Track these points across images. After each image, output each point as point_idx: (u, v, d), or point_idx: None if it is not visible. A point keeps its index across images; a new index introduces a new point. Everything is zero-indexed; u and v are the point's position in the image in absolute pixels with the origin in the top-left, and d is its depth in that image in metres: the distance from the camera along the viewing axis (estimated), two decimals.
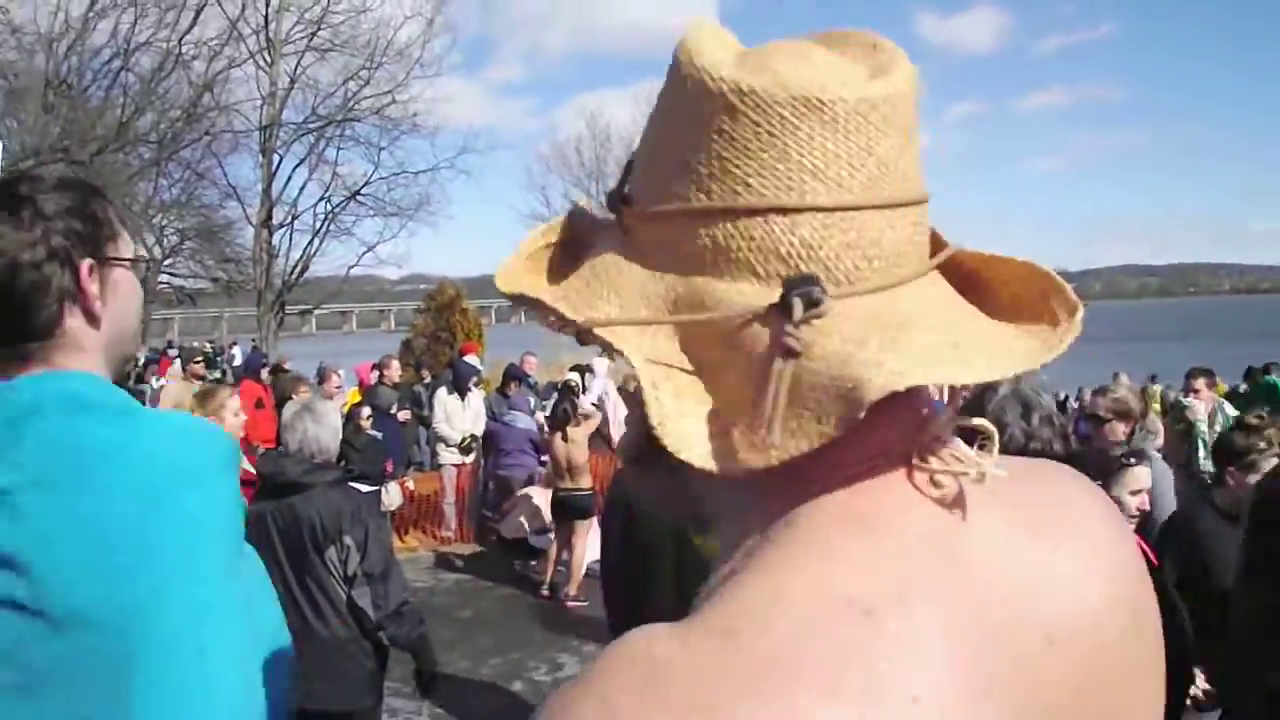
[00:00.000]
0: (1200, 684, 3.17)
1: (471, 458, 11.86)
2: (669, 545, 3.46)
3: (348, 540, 3.76)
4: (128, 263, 1.51)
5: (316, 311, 42.50)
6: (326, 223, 24.88)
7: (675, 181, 0.72)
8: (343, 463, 5.79)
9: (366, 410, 10.33)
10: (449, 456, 11.77)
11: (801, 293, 0.66)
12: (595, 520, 8.57)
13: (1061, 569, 0.71)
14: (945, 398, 0.76)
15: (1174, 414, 9.42)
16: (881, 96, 0.69)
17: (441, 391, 12.01)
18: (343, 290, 28.11)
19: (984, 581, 0.68)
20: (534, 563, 10.21)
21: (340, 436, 4.40)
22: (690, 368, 0.71)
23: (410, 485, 11.43)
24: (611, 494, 4.28)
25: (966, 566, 0.67)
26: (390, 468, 10.48)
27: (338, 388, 11.37)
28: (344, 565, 3.77)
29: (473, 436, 11.75)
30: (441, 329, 22.70)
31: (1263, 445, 3.75)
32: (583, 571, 9.06)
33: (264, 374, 14.86)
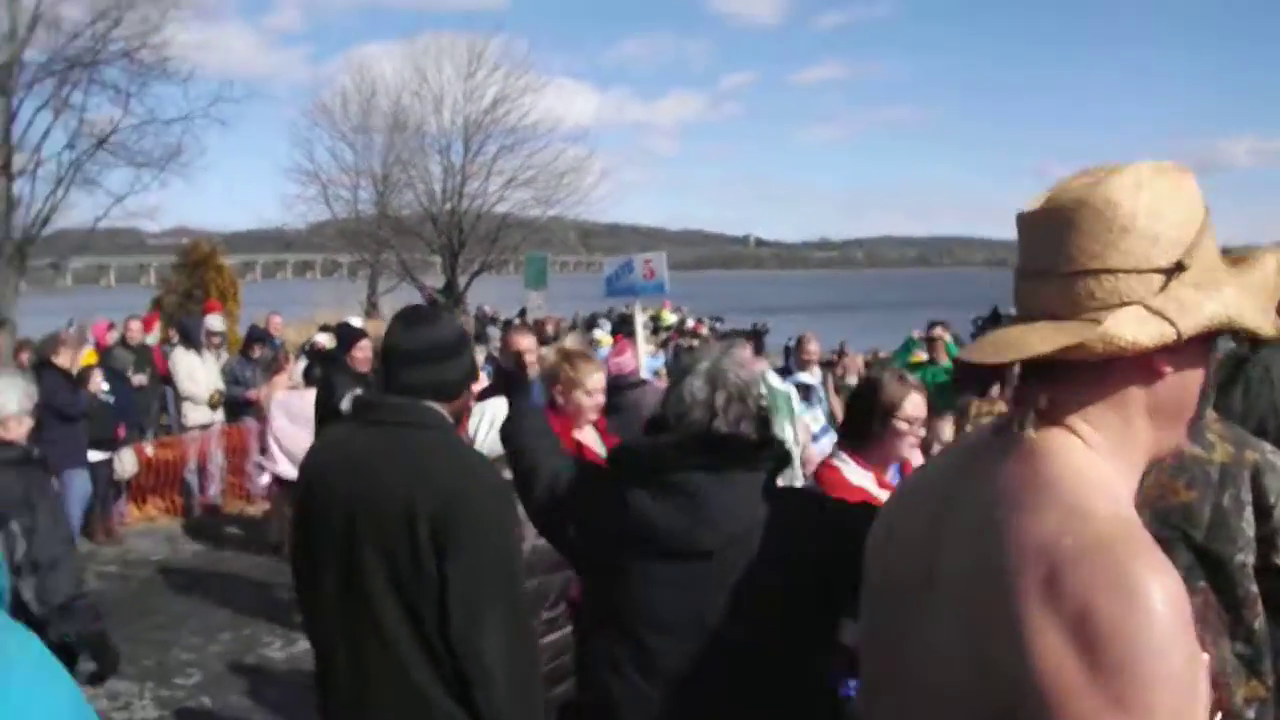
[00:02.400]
0: None
1: (219, 415, 11.44)
2: None
3: (13, 526, 3.50)
4: None
5: (72, 265, 39.78)
6: (71, 171, 23.24)
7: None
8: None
9: (98, 374, 9.80)
10: (197, 416, 11.33)
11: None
12: None
13: None
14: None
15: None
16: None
17: (178, 350, 11.56)
18: (91, 243, 26.37)
19: None
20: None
21: (30, 405, 4.11)
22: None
23: (149, 451, 10.94)
24: None
25: None
26: (123, 433, 9.99)
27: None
28: (10, 554, 3.47)
29: (220, 392, 11.34)
30: (195, 286, 21.83)
31: None
32: None
33: None
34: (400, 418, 2.61)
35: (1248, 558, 1.86)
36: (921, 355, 9.28)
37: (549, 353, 5.09)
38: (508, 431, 2.83)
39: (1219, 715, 1.82)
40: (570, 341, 5.25)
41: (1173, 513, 1.90)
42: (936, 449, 8.54)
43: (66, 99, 23.05)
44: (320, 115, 32.63)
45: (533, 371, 5.24)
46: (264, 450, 9.32)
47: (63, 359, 9.25)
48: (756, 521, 2.30)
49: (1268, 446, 1.98)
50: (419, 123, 31.89)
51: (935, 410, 8.75)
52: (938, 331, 9.14)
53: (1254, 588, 1.86)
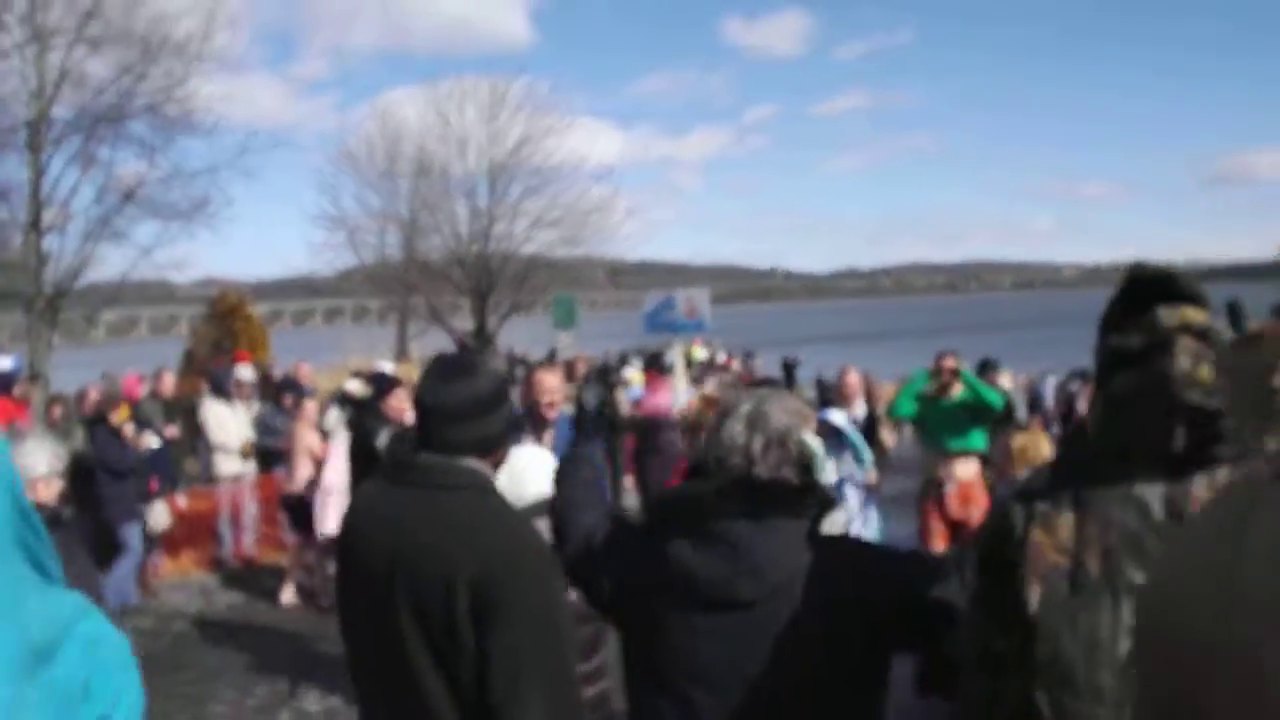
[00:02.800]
0: None
1: (252, 465, 11.38)
2: None
3: None
4: None
5: (104, 318, 40.11)
6: (100, 226, 23.47)
7: None
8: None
9: (146, 429, 9.80)
10: (229, 467, 11.24)
11: None
12: None
13: None
14: None
15: None
16: None
17: (208, 400, 11.52)
18: (122, 295, 26.59)
19: None
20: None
21: (60, 466, 4.06)
22: None
23: (181, 503, 10.92)
24: None
25: None
26: (155, 486, 9.96)
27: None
28: None
29: (251, 442, 11.29)
30: (224, 336, 21.97)
31: None
32: None
33: (17, 390, 13.88)
34: (440, 480, 2.46)
35: None
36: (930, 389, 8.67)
37: (694, 399, 5.63)
38: (561, 474, 2.79)
39: None
40: (710, 388, 5.69)
41: None
42: (950, 489, 8.10)
43: (94, 155, 23.28)
44: (346, 162, 32.88)
45: (554, 412, 5.42)
46: (301, 504, 9.27)
47: (115, 416, 9.22)
48: (799, 570, 2.26)
49: None
50: (443, 166, 32.13)
51: (946, 448, 8.31)
52: (948, 362, 8.51)
53: None
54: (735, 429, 2.35)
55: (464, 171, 32.11)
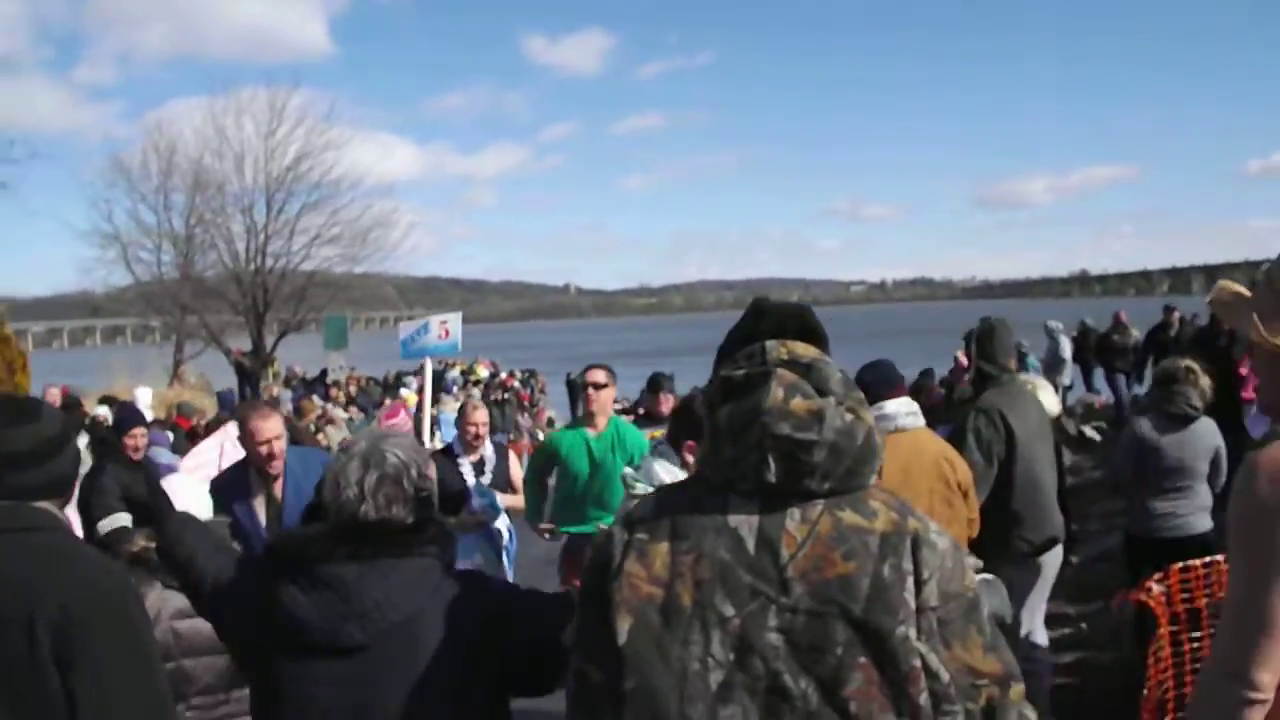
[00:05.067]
0: None
1: None
2: None
3: None
4: None
5: None
6: None
7: None
8: None
9: None
10: None
11: None
12: None
13: None
14: None
15: None
16: None
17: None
18: None
19: None
20: None
21: None
22: None
23: None
24: None
25: None
26: None
27: None
28: None
29: None
30: None
31: None
32: None
33: None
34: (11, 523, 2.32)
35: (909, 630, 1.74)
36: None
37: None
38: (165, 543, 2.65)
39: None
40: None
41: (829, 585, 1.76)
42: None
43: None
44: (118, 174, 31.27)
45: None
46: None
47: None
48: (417, 611, 2.25)
49: (931, 523, 1.89)
50: (220, 182, 30.97)
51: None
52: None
53: (917, 662, 1.74)
54: (350, 467, 2.33)
55: (241, 187, 31.00)
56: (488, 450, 6.92)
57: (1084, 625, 7.23)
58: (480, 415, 7.03)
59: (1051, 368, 16.86)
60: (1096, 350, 17.95)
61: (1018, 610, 5.07)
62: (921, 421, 4.48)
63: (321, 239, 30.57)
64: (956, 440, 5.17)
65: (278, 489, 5.00)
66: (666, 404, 7.01)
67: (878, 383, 4.46)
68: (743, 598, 1.78)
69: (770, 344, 1.94)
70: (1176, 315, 15.82)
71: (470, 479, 6.53)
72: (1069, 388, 17.91)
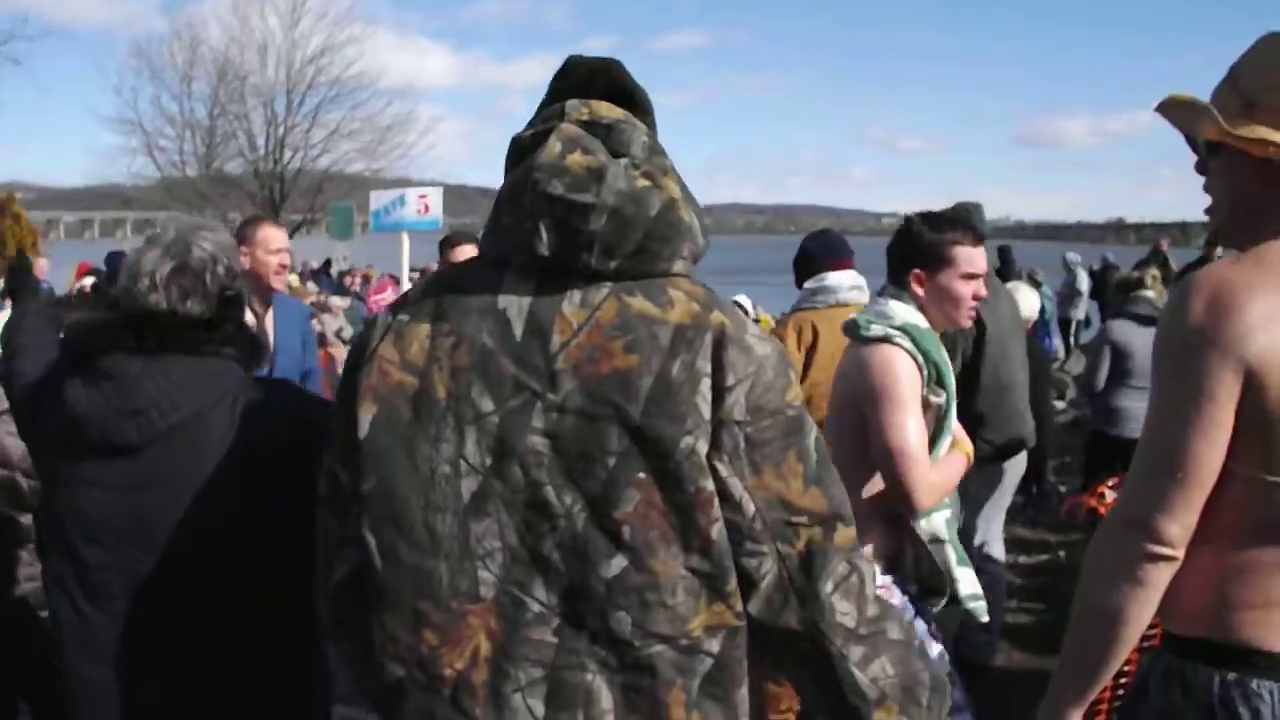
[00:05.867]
0: None
1: None
2: None
3: None
4: None
5: None
6: None
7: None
8: None
9: None
10: None
11: None
12: None
13: None
14: None
15: None
16: None
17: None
18: None
19: None
20: None
21: None
22: None
23: None
24: None
25: None
26: None
27: None
28: None
29: None
30: None
31: None
32: None
33: None
34: None
35: (699, 444, 1.45)
36: None
37: None
38: (8, 332, 2.49)
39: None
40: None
41: (605, 382, 1.46)
42: None
43: None
44: (141, 63, 31.15)
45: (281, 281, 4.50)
46: None
47: None
48: (202, 414, 2.03)
49: (752, 325, 1.56)
50: (241, 73, 30.81)
51: None
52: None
53: (709, 484, 1.45)
54: (148, 256, 2.10)
55: (263, 79, 30.97)
56: None
57: (1062, 554, 6.88)
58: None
59: (1066, 300, 16.29)
60: (1119, 289, 17.22)
61: (973, 518, 4.68)
62: (867, 297, 4.03)
63: (340, 133, 30.53)
64: None
65: (269, 325, 4.37)
66: None
67: (820, 251, 4.03)
68: (504, 391, 1.50)
69: (572, 103, 1.61)
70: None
71: None
72: (1085, 323, 17.32)
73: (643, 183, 1.51)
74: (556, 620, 1.48)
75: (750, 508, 1.48)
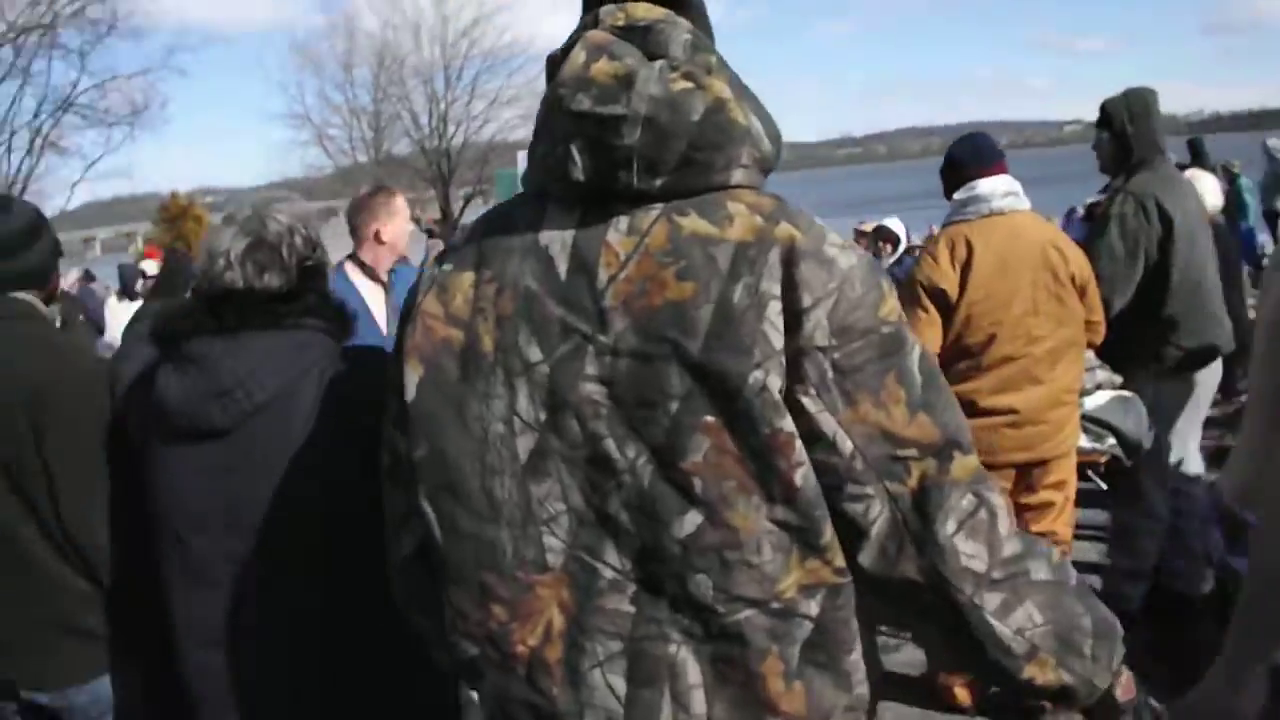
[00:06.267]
0: None
1: None
2: None
3: None
4: None
5: (100, 236, 40.14)
6: (40, 139, 23.13)
7: None
8: None
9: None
10: None
11: None
12: None
13: None
14: None
15: None
16: None
17: (111, 299, 11.27)
18: (67, 214, 26.47)
19: None
20: None
21: None
22: None
23: None
24: None
25: None
26: None
27: None
28: None
29: None
30: (176, 238, 21.91)
31: None
32: None
33: None
34: None
35: (770, 379, 1.25)
36: None
37: None
38: (124, 333, 2.55)
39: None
40: None
41: (658, 316, 1.27)
42: None
43: (27, 68, 22.89)
44: (303, 59, 32.60)
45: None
46: None
47: None
48: (290, 389, 1.96)
49: (831, 235, 1.34)
50: (399, 54, 31.68)
51: None
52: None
53: (786, 423, 1.26)
54: (224, 234, 2.06)
55: (419, 59, 31.74)
56: None
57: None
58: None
59: (1270, 191, 14.95)
60: None
61: (1165, 432, 4.25)
62: (1025, 204, 3.64)
63: (499, 101, 31.05)
64: (1097, 230, 4.30)
65: (389, 304, 4.25)
66: None
67: (968, 157, 3.66)
68: (552, 337, 1.34)
69: (606, 8, 1.41)
70: None
71: None
72: None
73: (682, 84, 1.31)
74: (633, 587, 1.32)
75: (847, 445, 1.28)
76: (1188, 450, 4.38)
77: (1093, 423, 4.03)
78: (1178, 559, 4.36)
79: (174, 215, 22.72)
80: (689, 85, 1.31)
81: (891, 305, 1.32)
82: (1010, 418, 3.51)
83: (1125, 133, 4.32)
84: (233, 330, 1.98)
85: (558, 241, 1.36)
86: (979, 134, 3.83)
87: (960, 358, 3.54)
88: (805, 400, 1.27)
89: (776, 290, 1.27)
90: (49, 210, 25.27)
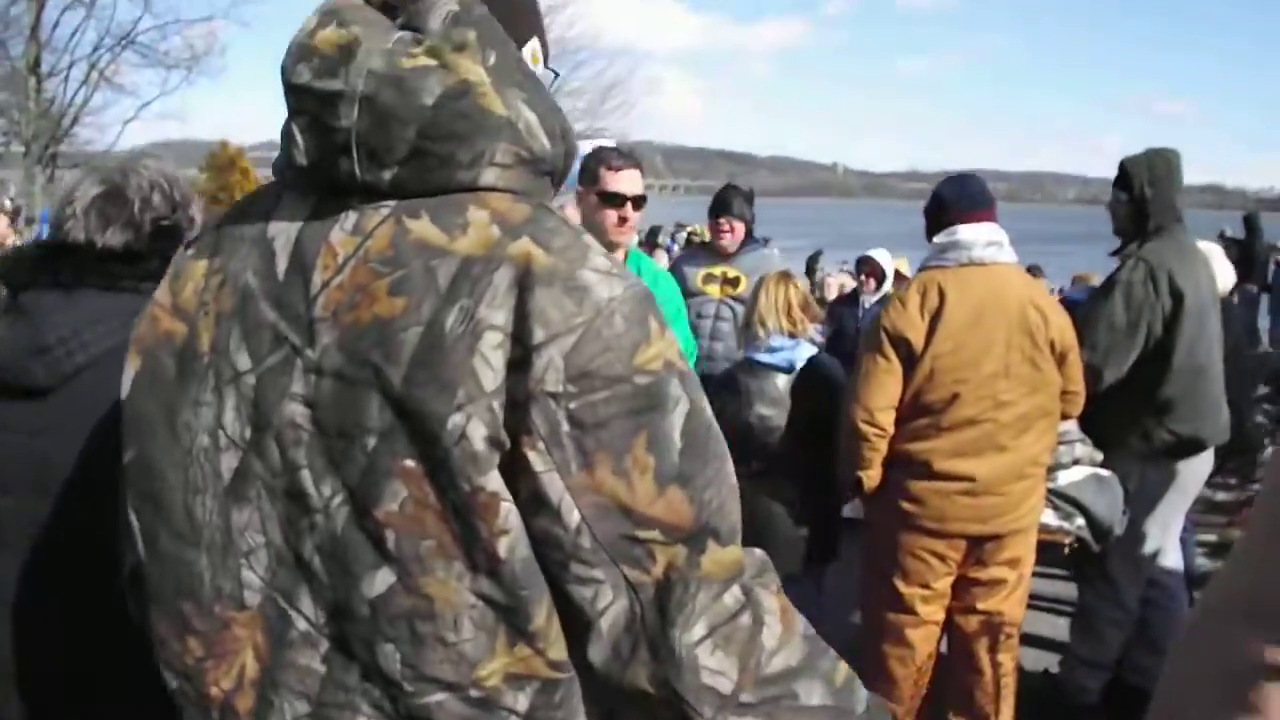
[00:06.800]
0: None
1: None
2: None
3: None
4: None
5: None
6: (98, 73, 23.34)
7: None
8: None
9: None
10: None
11: None
12: None
13: None
14: None
15: None
16: None
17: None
18: (116, 152, 26.81)
19: None
20: None
21: None
22: None
23: None
24: None
25: None
26: None
27: None
28: None
29: None
30: (221, 189, 21.96)
31: None
32: None
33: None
34: None
35: (472, 426, 1.03)
36: None
37: None
38: None
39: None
40: None
41: (364, 335, 1.07)
42: None
43: (93, 2, 23.14)
44: None
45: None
46: None
47: None
48: (115, 353, 1.72)
49: (600, 257, 1.11)
50: None
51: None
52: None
53: (490, 482, 1.04)
54: (82, 183, 1.91)
55: None
56: None
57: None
58: None
59: None
60: None
61: (1144, 519, 3.95)
62: (1010, 256, 3.37)
63: (562, 91, 30.99)
64: (1100, 294, 4.02)
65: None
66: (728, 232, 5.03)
67: (955, 199, 3.37)
68: (263, 345, 1.16)
69: None
70: None
71: None
72: None
73: (417, 61, 1.10)
74: (325, 644, 1.13)
75: (574, 516, 1.06)
76: (1167, 540, 4.08)
77: (1062, 499, 3.73)
78: (1142, 653, 4.07)
79: (221, 164, 22.83)
80: (428, 62, 1.10)
81: (657, 352, 1.08)
82: (966, 485, 3.24)
83: (1144, 196, 4.04)
84: (67, 286, 1.85)
85: (284, 234, 1.17)
86: (970, 176, 3.56)
87: (919, 415, 3.27)
88: (532, 456, 1.05)
89: (499, 319, 1.05)
90: (99, 145, 25.72)
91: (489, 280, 1.05)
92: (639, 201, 3.57)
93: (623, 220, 3.55)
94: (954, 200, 3.37)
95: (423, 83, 1.08)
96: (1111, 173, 4.15)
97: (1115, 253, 4.21)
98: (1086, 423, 3.87)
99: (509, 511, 1.05)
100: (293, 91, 1.13)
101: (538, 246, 1.07)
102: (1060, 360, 3.33)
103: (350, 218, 1.13)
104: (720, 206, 5.11)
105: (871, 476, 3.34)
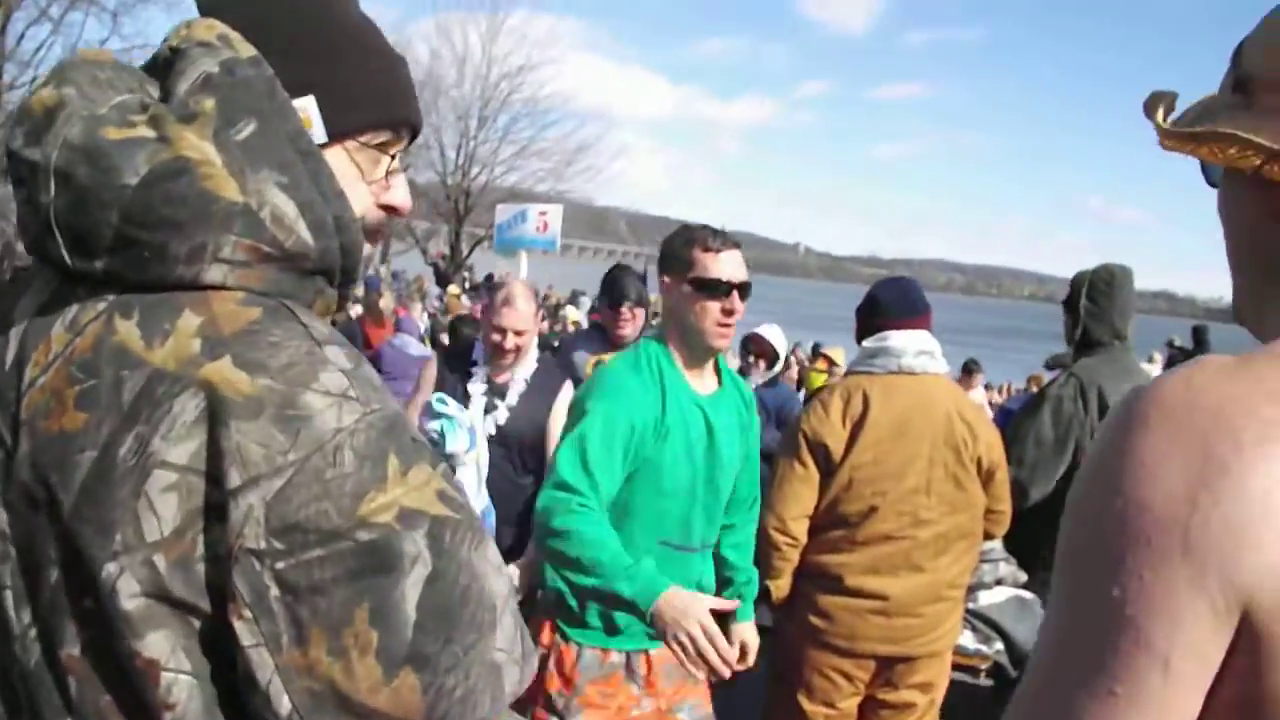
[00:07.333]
0: None
1: None
2: None
3: None
4: None
5: None
6: None
7: None
8: None
9: None
10: None
11: None
12: None
13: None
14: None
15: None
16: None
17: None
18: None
19: None
20: None
21: None
22: None
23: None
24: None
25: None
26: None
27: None
28: None
29: None
30: None
31: None
32: None
33: None
34: None
35: (123, 580, 0.87)
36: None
37: None
38: None
39: None
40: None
41: (49, 449, 0.92)
42: None
43: (60, 18, 22.99)
44: None
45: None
46: None
47: None
48: None
49: (338, 378, 0.92)
50: (439, 84, 31.76)
51: None
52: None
53: (148, 648, 0.88)
54: None
55: (460, 93, 31.87)
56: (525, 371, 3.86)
57: None
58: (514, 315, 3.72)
59: None
60: None
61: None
62: (941, 367, 3.24)
63: (528, 150, 31.12)
64: (1029, 408, 3.91)
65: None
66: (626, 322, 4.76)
67: (890, 302, 3.24)
68: None
69: (179, 24, 1.06)
70: None
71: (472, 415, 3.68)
72: None
73: (126, 132, 0.93)
74: None
75: (284, 705, 0.86)
76: None
77: (982, 621, 3.58)
78: None
79: None
80: (144, 134, 0.93)
81: (390, 500, 0.88)
82: (879, 604, 3.07)
83: (1080, 312, 3.95)
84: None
85: (22, 319, 1.02)
86: (908, 280, 3.43)
87: (834, 526, 3.11)
88: (238, 626, 0.86)
89: (175, 455, 0.87)
90: None
91: (168, 407, 0.88)
92: (744, 289, 2.83)
93: (728, 314, 2.79)
94: (889, 304, 3.24)
95: (125, 158, 0.90)
96: (1068, 272, 4.06)
97: (1048, 363, 4.12)
98: (1011, 541, 3.74)
99: (173, 684, 0.88)
100: (9, 157, 0.97)
101: (239, 369, 0.89)
102: (987, 478, 3.19)
103: (72, 310, 0.97)
104: (619, 294, 4.80)
105: (780, 587, 3.18)
